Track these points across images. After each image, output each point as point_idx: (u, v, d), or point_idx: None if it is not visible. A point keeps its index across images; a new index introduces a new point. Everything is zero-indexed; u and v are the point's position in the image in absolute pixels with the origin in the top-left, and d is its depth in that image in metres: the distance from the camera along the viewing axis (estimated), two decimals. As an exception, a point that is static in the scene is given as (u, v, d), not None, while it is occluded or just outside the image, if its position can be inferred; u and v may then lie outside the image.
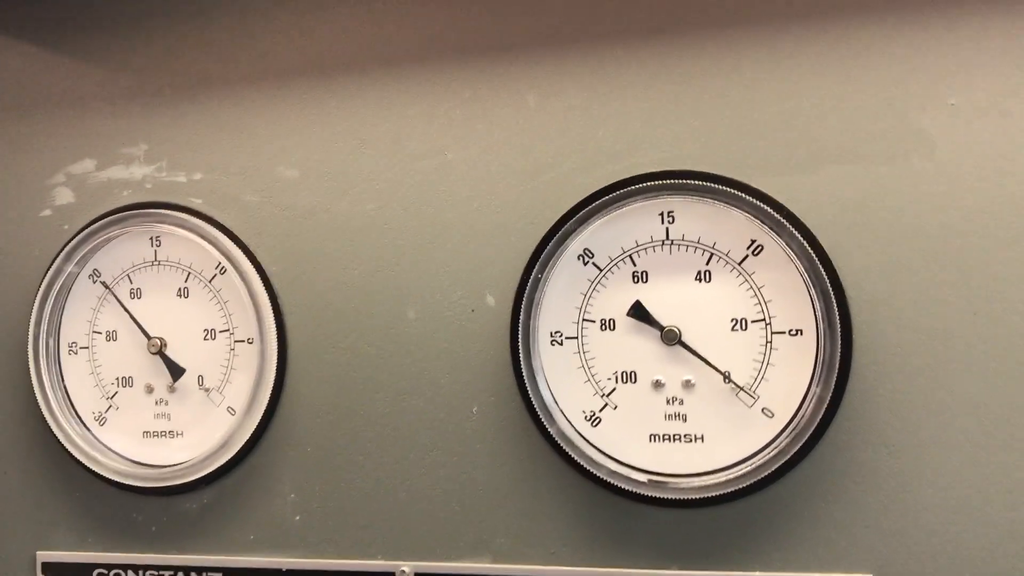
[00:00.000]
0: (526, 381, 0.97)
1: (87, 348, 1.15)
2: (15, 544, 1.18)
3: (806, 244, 0.90)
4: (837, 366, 0.89)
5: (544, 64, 1.01)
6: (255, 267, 1.08)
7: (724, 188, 0.92)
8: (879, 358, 0.91)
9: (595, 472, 0.95)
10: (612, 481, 0.95)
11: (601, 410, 0.98)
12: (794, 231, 0.90)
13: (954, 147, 0.90)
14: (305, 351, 1.07)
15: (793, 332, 0.92)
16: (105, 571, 1.14)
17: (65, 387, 1.16)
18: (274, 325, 1.07)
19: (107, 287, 1.15)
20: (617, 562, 0.99)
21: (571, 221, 0.96)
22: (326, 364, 1.07)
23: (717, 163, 0.95)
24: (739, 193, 0.92)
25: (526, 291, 0.97)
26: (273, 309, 1.07)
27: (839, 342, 0.89)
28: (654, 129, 0.98)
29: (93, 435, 1.15)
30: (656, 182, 0.94)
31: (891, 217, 0.91)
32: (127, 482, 1.11)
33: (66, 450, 1.13)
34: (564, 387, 0.98)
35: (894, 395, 0.91)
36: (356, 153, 1.07)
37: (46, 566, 1.16)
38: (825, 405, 0.90)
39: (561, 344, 0.98)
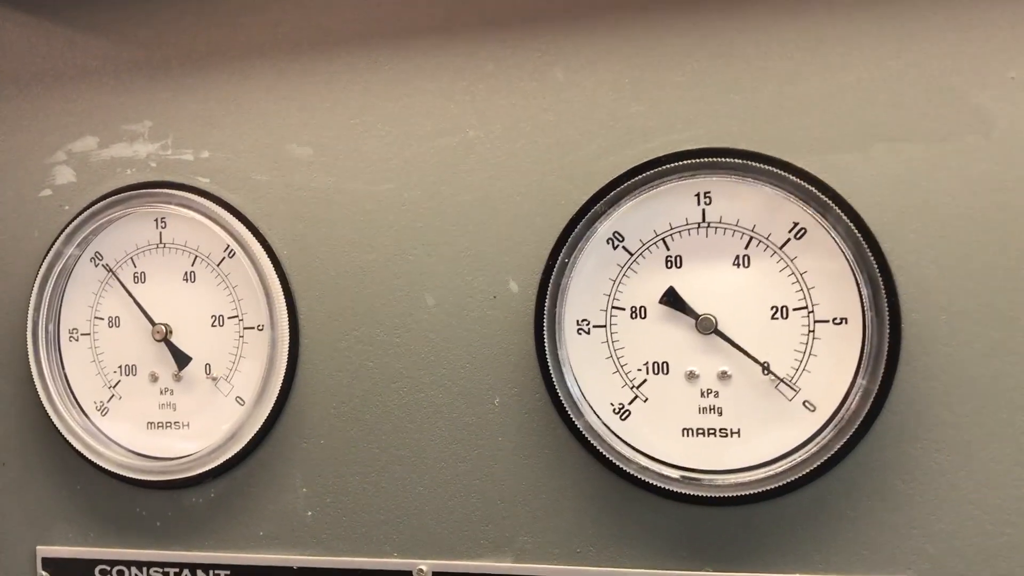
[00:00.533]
0: (551, 372, 0.94)
1: (88, 335, 1.12)
2: (14, 539, 1.16)
3: (853, 227, 0.86)
4: (884, 357, 0.86)
5: (573, 35, 0.96)
6: (265, 250, 1.05)
7: (765, 167, 0.88)
8: (929, 349, 0.87)
9: (624, 468, 0.92)
10: (642, 477, 0.92)
11: (631, 403, 0.94)
12: (840, 213, 0.86)
13: (1014, 124, 0.85)
14: (318, 339, 1.04)
15: (837, 321, 0.89)
16: (108, 567, 1.11)
17: (65, 375, 1.13)
18: (285, 311, 1.03)
19: (110, 271, 1.11)
20: (646, 563, 0.96)
21: (600, 203, 0.93)
22: (340, 352, 1.03)
23: (758, 141, 0.91)
24: (781, 172, 0.88)
25: (552, 277, 0.94)
26: (284, 294, 1.04)
27: (887, 331, 0.85)
28: (690, 105, 0.93)
29: (95, 425, 1.12)
30: (692, 161, 0.90)
31: (944, 198, 0.87)
32: (130, 475, 1.08)
33: (67, 441, 1.10)
34: (591, 378, 0.95)
35: (946, 388, 0.87)
36: (372, 130, 1.03)
37: (47, 562, 1.14)
38: (871, 398, 0.86)
39: (588, 333, 0.95)
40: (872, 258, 0.85)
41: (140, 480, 1.08)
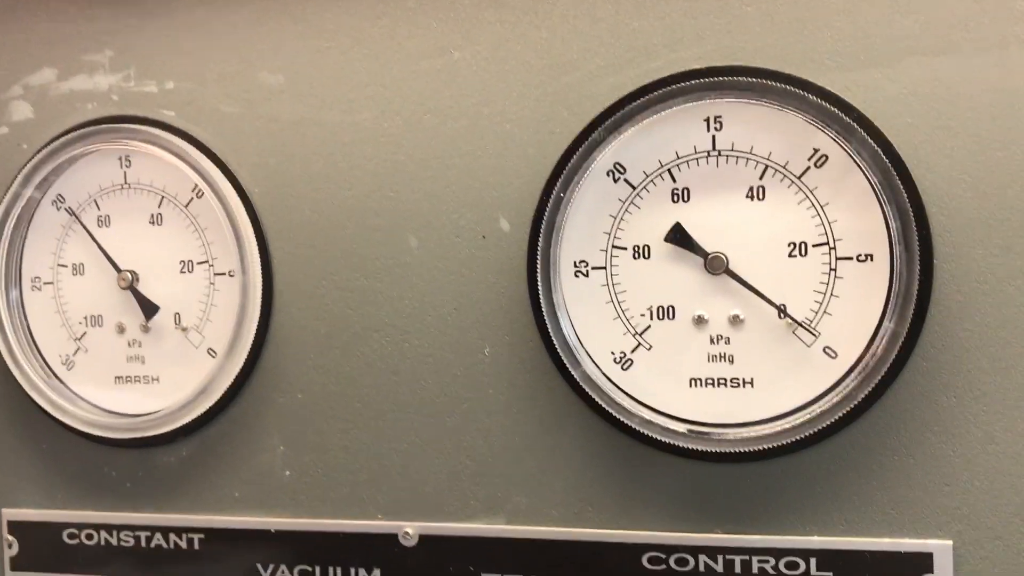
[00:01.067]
0: (546, 318, 0.90)
1: (51, 283, 1.08)
2: (-22, 502, 1.14)
3: (880, 152, 0.81)
4: (914, 297, 0.81)
5: (568, -58, 0.91)
6: (236, 189, 1.00)
7: (781, 87, 0.83)
8: (964, 287, 0.83)
9: (626, 421, 0.89)
10: (646, 431, 0.89)
11: (633, 351, 0.91)
12: (866, 136, 0.81)
13: (1063, 32, 0.80)
14: (293, 284, 1.00)
15: (862, 257, 0.84)
16: (76, 531, 1.08)
17: (28, 327, 1.09)
18: (258, 255, 0.99)
19: (72, 214, 1.06)
20: (651, 524, 0.92)
21: (599, 130, 0.88)
22: (317, 299, 1.00)
23: (773, 58, 0.86)
24: (799, 92, 0.83)
25: (546, 214, 0.90)
26: (256, 237, 0.99)
27: (917, 268, 0.81)
28: (698, 18, 0.88)
29: (60, 381, 1.08)
30: (700, 81, 0.86)
31: (983, 119, 0.81)
32: (98, 433, 1.05)
33: (30, 398, 1.06)
34: (590, 325, 0.92)
35: (982, 330, 0.82)
36: (348, 55, 0.98)
37: (13, 525, 1.11)
38: (899, 343, 0.82)
39: (586, 275, 0.92)
40: (901, 187, 0.81)
41: (108, 439, 1.05)
